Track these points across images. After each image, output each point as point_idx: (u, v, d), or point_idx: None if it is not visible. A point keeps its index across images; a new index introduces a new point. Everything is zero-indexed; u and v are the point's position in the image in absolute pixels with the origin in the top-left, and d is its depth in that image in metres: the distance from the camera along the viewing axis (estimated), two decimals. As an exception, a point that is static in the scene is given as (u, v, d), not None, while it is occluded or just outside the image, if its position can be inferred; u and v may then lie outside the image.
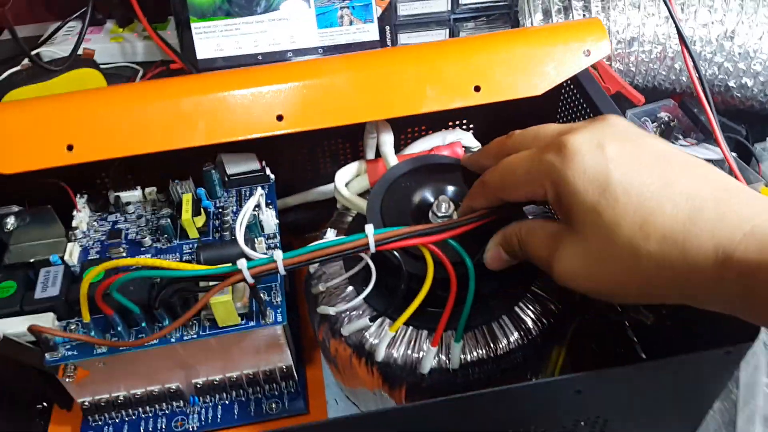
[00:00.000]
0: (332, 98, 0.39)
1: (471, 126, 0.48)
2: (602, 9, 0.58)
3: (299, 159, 0.49)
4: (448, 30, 0.70)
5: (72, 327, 0.38)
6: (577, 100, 0.43)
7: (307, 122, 0.38)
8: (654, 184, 0.26)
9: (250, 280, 0.34)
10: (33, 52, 0.75)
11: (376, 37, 0.67)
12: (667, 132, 0.57)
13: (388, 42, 0.67)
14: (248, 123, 0.38)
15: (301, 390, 0.44)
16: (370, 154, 0.47)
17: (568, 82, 0.41)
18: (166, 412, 0.43)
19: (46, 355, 0.37)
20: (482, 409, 0.29)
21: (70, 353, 0.37)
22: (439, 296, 0.35)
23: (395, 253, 0.35)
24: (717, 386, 0.32)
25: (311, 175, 0.50)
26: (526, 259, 0.32)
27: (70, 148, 0.37)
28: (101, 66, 0.70)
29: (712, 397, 0.32)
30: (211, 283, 0.36)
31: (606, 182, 0.27)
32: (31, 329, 0.35)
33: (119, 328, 0.37)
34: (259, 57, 0.68)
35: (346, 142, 0.48)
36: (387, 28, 0.67)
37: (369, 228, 0.33)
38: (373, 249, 0.34)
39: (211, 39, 0.67)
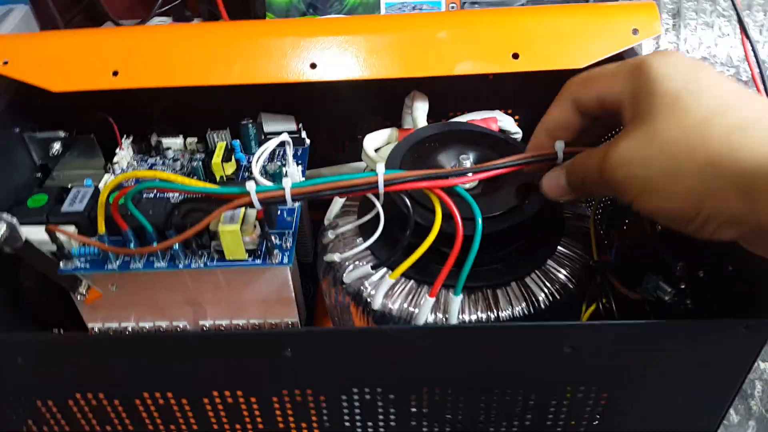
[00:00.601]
0: (365, 52, 0.39)
1: (516, 117, 0.47)
2: (672, 27, 0.56)
3: (338, 133, 0.50)
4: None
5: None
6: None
7: (340, 72, 0.39)
8: (738, 90, 0.25)
9: (258, 205, 0.34)
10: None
11: (440, 43, 0.68)
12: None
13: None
14: (282, 68, 0.39)
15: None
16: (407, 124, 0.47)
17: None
18: (170, 352, 0.44)
19: (60, 263, 0.38)
20: (460, 356, 0.27)
21: (82, 265, 0.38)
22: (446, 254, 0.34)
23: (405, 199, 0.34)
24: (736, 370, 0.28)
25: (349, 151, 0.51)
26: (584, 188, 0.31)
27: (115, 74, 0.40)
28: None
29: (732, 382, 0.29)
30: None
31: (695, 76, 0.26)
32: (48, 229, 0.37)
33: (131, 246, 0.37)
34: None
35: (386, 120, 0.49)
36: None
37: (380, 167, 0.33)
38: (381, 189, 0.33)
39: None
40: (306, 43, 0.39)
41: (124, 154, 0.46)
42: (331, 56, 0.39)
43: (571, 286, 0.34)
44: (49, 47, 0.41)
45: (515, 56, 0.38)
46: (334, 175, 0.50)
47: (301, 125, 0.46)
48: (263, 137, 0.46)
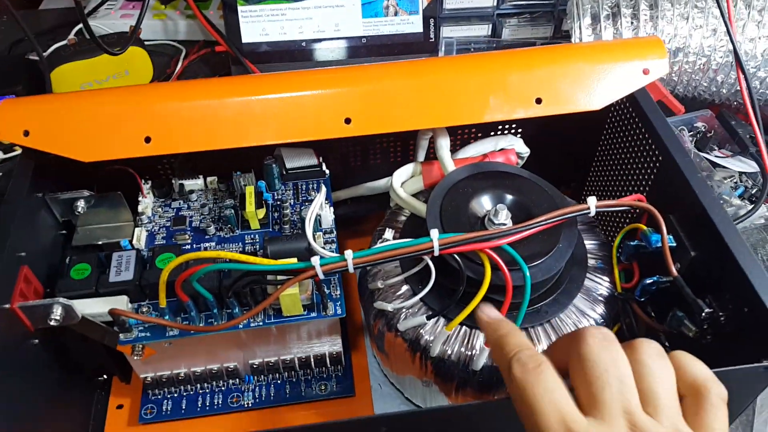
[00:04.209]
0: (399, 104, 0.40)
1: (519, 131, 0.50)
2: (650, 18, 0.59)
3: (351, 154, 0.51)
4: (490, 25, 0.71)
5: (144, 309, 0.40)
6: (630, 116, 0.45)
7: (375, 127, 0.40)
8: None
9: (322, 277, 0.36)
10: (75, 28, 0.77)
11: (419, 29, 0.69)
12: (702, 142, 0.59)
13: (432, 35, 0.69)
14: (318, 125, 0.40)
15: (348, 374, 0.47)
16: (422, 155, 0.49)
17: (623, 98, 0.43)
18: (223, 389, 0.46)
19: (120, 335, 0.40)
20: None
21: (143, 335, 0.40)
22: (493, 299, 0.37)
23: (456, 257, 0.37)
24: (748, 399, 0.34)
25: (361, 171, 0.52)
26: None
27: (147, 140, 0.39)
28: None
29: (740, 408, 0.35)
30: (279, 277, 0.38)
31: None
32: (112, 312, 0.38)
33: (192, 313, 0.39)
34: (303, 44, 0.69)
35: (397, 140, 0.50)
36: (431, 20, 0.68)
37: (434, 233, 0.36)
38: (437, 253, 0.36)
39: (257, 23, 0.68)
40: (341, 98, 0.40)
41: (147, 201, 0.46)
42: (365, 110, 0.40)
43: (601, 320, 0.39)
44: (71, 115, 0.39)
45: (538, 101, 0.41)
46: (350, 196, 0.53)
47: (321, 158, 0.47)
48: (284, 173, 0.47)
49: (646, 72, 0.41)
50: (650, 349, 0.28)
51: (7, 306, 0.36)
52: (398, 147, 0.51)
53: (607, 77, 0.41)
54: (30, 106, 0.40)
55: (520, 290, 0.36)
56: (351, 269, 0.36)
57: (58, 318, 0.38)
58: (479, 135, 0.50)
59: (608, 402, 0.26)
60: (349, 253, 0.36)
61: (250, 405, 0.46)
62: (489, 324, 0.32)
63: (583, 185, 0.53)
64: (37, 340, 0.39)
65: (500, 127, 0.50)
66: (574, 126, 0.45)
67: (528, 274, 0.36)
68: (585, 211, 0.37)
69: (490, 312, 0.33)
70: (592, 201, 0.37)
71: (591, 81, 0.41)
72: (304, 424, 0.31)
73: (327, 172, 0.48)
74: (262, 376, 0.47)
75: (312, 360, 0.46)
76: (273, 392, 0.46)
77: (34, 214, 0.42)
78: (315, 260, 0.36)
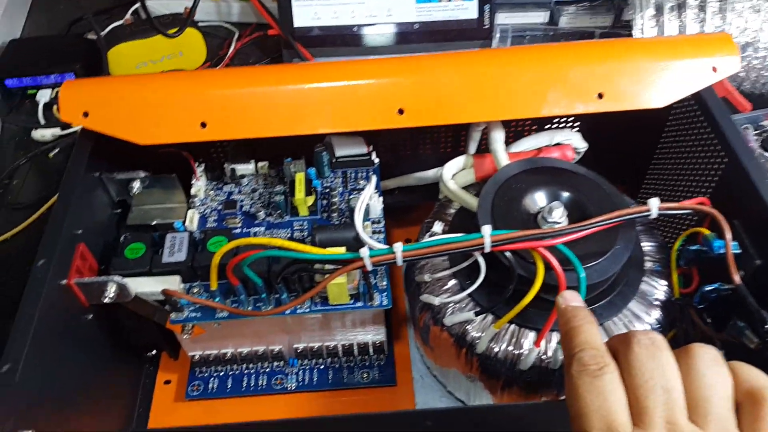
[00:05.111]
0: (453, 95, 0.40)
1: (576, 125, 0.49)
2: (719, 10, 0.56)
3: (401, 144, 0.51)
4: (548, 12, 0.69)
5: (195, 290, 0.41)
6: (695, 114, 0.43)
7: (428, 118, 0.40)
8: None
9: (370, 269, 0.36)
10: (132, 8, 0.78)
11: (474, 15, 0.67)
12: (767, 141, 0.56)
13: (486, 22, 0.67)
14: (371, 115, 0.40)
15: (390, 363, 0.47)
16: (473, 147, 0.48)
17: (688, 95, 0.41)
18: (267, 370, 0.47)
19: (171, 314, 0.40)
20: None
21: (193, 315, 0.40)
22: (543, 299, 0.37)
23: (507, 255, 0.36)
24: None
25: (410, 160, 0.52)
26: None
27: (203, 125, 0.40)
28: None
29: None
30: (327, 266, 0.38)
31: None
32: (165, 293, 0.39)
33: (241, 296, 0.39)
34: (355, 29, 0.69)
35: (449, 131, 0.49)
36: (487, 6, 0.67)
37: (486, 229, 0.35)
38: (488, 250, 0.35)
39: (310, 7, 0.68)
40: (395, 88, 0.39)
41: (200, 184, 0.46)
42: (419, 101, 0.39)
43: (656, 325, 0.38)
44: (129, 98, 0.40)
45: (600, 96, 0.39)
46: (397, 185, 0.52)
47: (371, 147, 0.47)
48: (334, 160, 0.47)
49: (714, 70, 0.40)
50: (706, 355, 0.27)
51: (63, 282, 0.37)
52: (449, 138, 0.50)
53: (673, 74, 0.39)
54: (90, 88, 0.40)
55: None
56: (399, 262, 0.36)
57: (111, 296, 0.38)
58: (534, 128, 0.49)
59: (651, 411, 0.25)
60: (398, 246, 0.35)
61: (293, 388, 0.46)
62: (564, 311, 0.31)
63: (639, 184, 0.51)
64: (91, 316, 0.40)
65: (556, 120, 0.49)
66: (634, 122, 0.44)
67: (583, 275, 0.35)
68: (645, 213, 0.36)
69: (570, 298, 0.32)
70: (654, 203, 0.36)
71: (656, 77, 0.39)
72: (354, 413, 0.31)
73: (376, 161, 0.48)
74: (306, 360, 0.47)
75: (355, 347, 0.46)
76: (316, 377, 0.47)
77: (90, 192, 0.43)
78: (364, 252, 0.35)
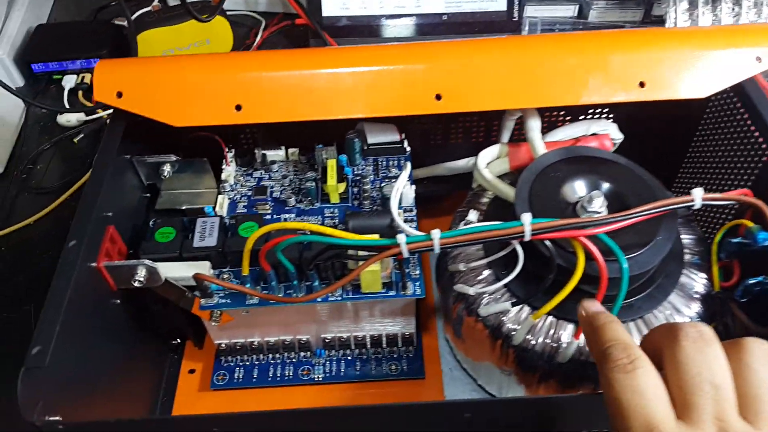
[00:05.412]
0: (492, 81, 0.39)
1: (611, 116, 0.48)
2: (754, 4, 0.55)
3: (431, 132, 0.50)
4: (577, 6, 0.68)
5: (224, 276, 0.40)
6: (734, 105, 0.42)
7: (466, 104, 0.39)
8: None
9: (407, 255, 0.35)
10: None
11: (503, 7, 0.66)
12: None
13: (515, 14, 0.66)
14: (408, 100, 0.39)
15: (418, 355, 0.47)
16: (506, 137, 0.47)
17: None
18: (294, 360, 0.46)
19: (201, 300, 0.40)
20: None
21: (223, 301, 0.40)
22: (582, 290, 0.36)
23: (547, 243, 0.35)
24: None
25: (440, 150, 0.51)
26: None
27: (238, 108, 0.39)
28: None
29: None
30: (360, 253, 0.37)
31: None
32: (197, 277, 0.38)
33: (272, 283, 0.39)
34: (383, 19, 0.68)
35: (481, 120, 0.49)
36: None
37: (526, 217, 0.34)
38: (527, 238, 0.35)
39: (338, -4, 0.67)
40: (432, 73, 0.38)
41: (230, 170, 0.46)
42: (457, 86, 0.39)
43: (696, 318, 0.37)
44: (164, 79, 0.39)
45: (641, 84, 0.38)
46: (428, 175, 0.52)
47: (404, 135, 0.46)
48: (365, 148, 0.47)
49: (759, 60, 0.38)
50: (758, 350, 0.26)
51: (93, 264, 0.37)
52: (482, 127, 0.49)
53: (716, 63, 0.38)
54: (125, 68, 0.40)
55: (614, 283, 0.35)
56: (437, 249, 0.35)
57: (141, 279, 0.38)
58: (567, 119, 0.48)
59: (699, 407, 0.24)
60: (436, 233, 0.35)
61: (320, 379, 0.45)
62: (585, 318, 0.31)
63: (674, 176, 0.50)
64: (119, 300, 0.40)
65: (591, 111, 0.48)
66: (671, 112, 0.43)
67: (626, 266, 0.34)
68: (689, 204, 0.35)
69: (589, 305, 0.31)
70: (697, 193, 0.35)
71: (699, 67, 0.38)
72: (394, 403, 0.31)
73: (408, 149, 0.47)
74: (333, 351, 0.46)
75: (384, 339, 0.45)
76: (343, 368, 0.46)
77: (121, 175, 0.42)
78: (401, 238, 0.35)
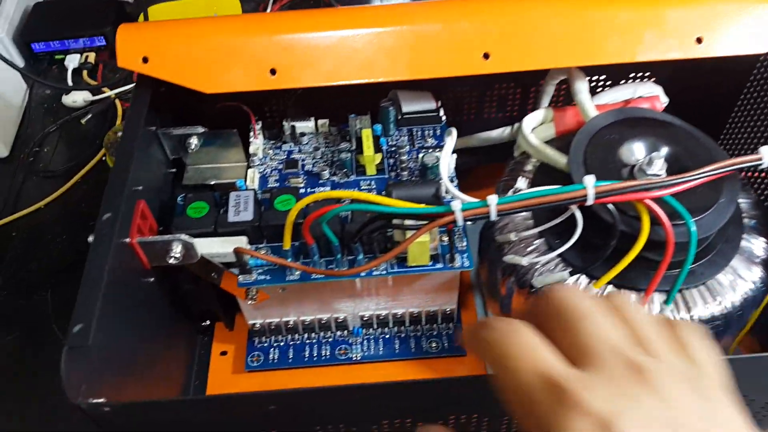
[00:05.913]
0: (542, 39, 0.37)
1: (653, 79, 0.46)
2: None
3: (465, 102, 0.48)
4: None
5: (262, 251, 0.38)
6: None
7: (515, 63, 0.37)
8: None
9: (461, 223, 0.33)
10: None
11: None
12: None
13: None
14: (454, 60, 0.37)
15: (460, 333, 0.45)
16: (546, 101, 0.45)
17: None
18: (330, 340, 0.44)
19: (239, 277, 0.38)
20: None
21: (262, 277, 0.38)
22: (645, 258, 0.34)
23: (610, 208, 0.34)
24: None
25: (473, 121, 0.49)
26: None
27: (273, 72, 0.37)
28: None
29: None
30: (407, 222, 0.35)
31: None
32: (238, 251, 0.36)
33: (315, 257, 0.37)
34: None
35: (517, 87, 0.47)
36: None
37: (589, 179, 0.32)
38: (590, 202, 0.33)
39: (352, -34, 0.65)
40: (479, 31, 0.36)
41: (258, 143, 0.44)
42: (505, 44, 0.37)
43: (760, 284, 0.36)
44: (192, 43, 0.37)
45: (699, 40, 0.37)
46: (462, 146, 0.50)
47: (440, 102, 0.44)
48: (399, 117, 0.44)
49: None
50: (625, 296, 0.24)
51: (126, 240, 0.35)
52: (517, 94, 0.47)
53: (775, 15, 0.37)
54: (150, 31, 0.37)
55: (678, 248, 0.33)
56: (494, 216, 0.33)
57: (177, 256, 0.36)
58: (608, 83, 0.46)
59: (595, 346, 0.21)
60: (492, 198, 0.33)
61: (358, 358, 0.44)
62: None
63: (716, 138, 0.48)
64: (152, 279, 0.38)
65: (632, 74, 0.46)
66: (715, 72, 0.41)
67: (694, 230, 0.33)
68: (757, 163, 0.33)
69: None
70: (765, 150, 0.33)
71: (759, 20, 0.37)
72: (456, 376, 0.29)
73: (444, 117, 0.45)
74: (371, 330, 0.44)
75: (423, 316, 0.44)
76: (382, 346, 0.44)
77: (147, 148, 0.40)
78: (456, 205, 0.33)
